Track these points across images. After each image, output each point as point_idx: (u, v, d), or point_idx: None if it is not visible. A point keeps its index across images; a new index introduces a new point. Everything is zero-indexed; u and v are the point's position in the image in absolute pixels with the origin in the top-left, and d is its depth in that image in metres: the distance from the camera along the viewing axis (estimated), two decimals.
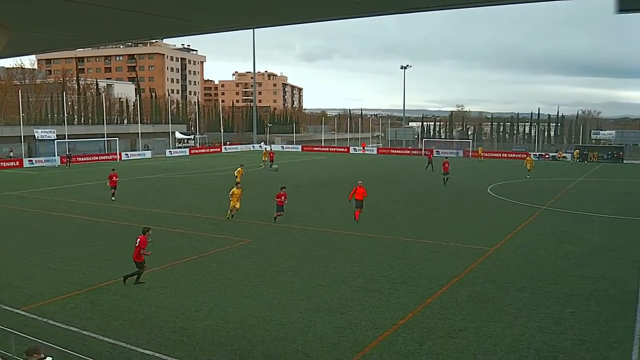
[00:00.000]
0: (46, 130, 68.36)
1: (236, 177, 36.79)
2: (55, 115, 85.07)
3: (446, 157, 52.41)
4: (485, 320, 14.18)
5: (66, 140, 66.93)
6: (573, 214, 30.83)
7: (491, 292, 16.55)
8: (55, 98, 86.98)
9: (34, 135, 65.96)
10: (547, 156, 75.96)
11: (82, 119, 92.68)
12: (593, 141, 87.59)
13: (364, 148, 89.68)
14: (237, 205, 26.69)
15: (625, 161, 71.54)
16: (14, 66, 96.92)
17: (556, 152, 77.68)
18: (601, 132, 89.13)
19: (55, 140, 65.36)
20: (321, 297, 15.78)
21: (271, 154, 59.48)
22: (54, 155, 63.16)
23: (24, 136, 64.48)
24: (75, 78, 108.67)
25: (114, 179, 33.53)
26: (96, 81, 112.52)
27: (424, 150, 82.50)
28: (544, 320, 14.21)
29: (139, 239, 16.71)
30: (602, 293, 16.61)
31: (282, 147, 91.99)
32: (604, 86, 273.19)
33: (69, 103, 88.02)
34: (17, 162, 60.52)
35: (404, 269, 18.99)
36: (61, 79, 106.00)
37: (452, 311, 14.80)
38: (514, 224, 27.11)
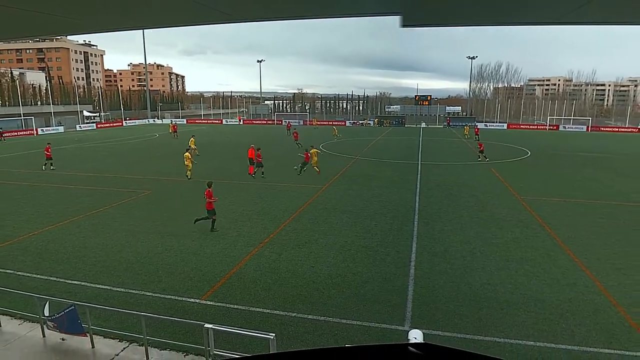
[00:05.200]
0: None
1: (190, 146, 33.63)
2: None
3: (294, 129, 52.36)
4: (322, 234, 14.90)
5: None
6: (376, 160, 32.97)
7: (324, 215, 17.34)
8: None
9: None
10: (358, 123, 79.62)
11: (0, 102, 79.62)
12: (387, 112, 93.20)
13: (239, 120, 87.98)
14: (189, 165, 24.79)
15: (406, 125, 77.35)
16: None
17: (363, 121, 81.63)
18: (392, 107, 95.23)
19: None
20: (208, 228, 15.45)
21: (174, 127, 54.25)
22: None
23: None
24: None
25: (49, 150, 29.18)
26: (11, 70, 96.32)
27: (276, 120, 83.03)
28: (359, 231, 15.26)
29: (205, 192, 15.21)
30: (394, 210, 18.13)
31: (172, 121, 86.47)
32: (392, 76, 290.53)
33: None
34: None
35: (266, 204, 19.18)
36: None
37: (299, 230, 15.33)
38: (338, 169, 28.36)
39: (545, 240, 14.36)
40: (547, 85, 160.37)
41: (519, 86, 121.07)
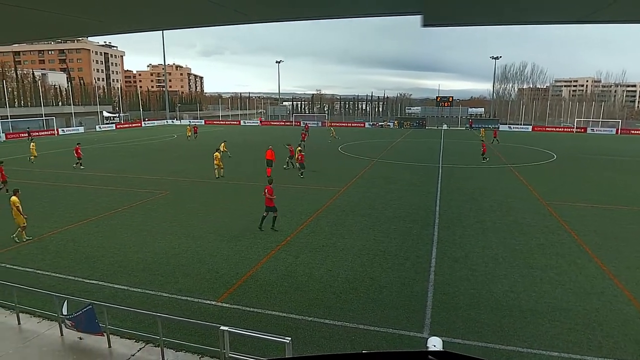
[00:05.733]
0: None
1: (220, 149, 33.79)
2: None
3: (303, 129, 52.18)
4: (339, 237, 14.85)
5: (9, 120, 59.07)
6: (396, 163, 32.75)
7: (342, 218, 17.29)
8: None
9: None
10: (377, 125, 79.27)
11: (22, 102, 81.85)
12: (407, 114, 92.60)
13: (260, 121, 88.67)
14: (221, 165, 25.86)
15: (427, 127, 76.65)
16: None
17: (383, 122, 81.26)
18: (412, 108, 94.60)
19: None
20: (225, 229, 15.61)
21: (195, 128, 53.91)
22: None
23: None
24: (13, 69, 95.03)
25: (79, 151, 30.14)
26: (32, 71, 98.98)
27: (294, 121, 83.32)
28: (378, 235, 15.16)
29: (266, 189, 15.43)
30: (414, 214, 17.96)
31: (190, 122, 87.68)
32: (412, 77, 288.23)
33: (10, 89, 77.07)
34: None
35: (284, 206, 19.11)
36: (0, 69, 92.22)
37: (317, 233, 15.32)
38: (357, 171, 28.27)
39: (571, 247, 14.01)
40: (574, 86, 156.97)
41: (545, 87, 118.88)
